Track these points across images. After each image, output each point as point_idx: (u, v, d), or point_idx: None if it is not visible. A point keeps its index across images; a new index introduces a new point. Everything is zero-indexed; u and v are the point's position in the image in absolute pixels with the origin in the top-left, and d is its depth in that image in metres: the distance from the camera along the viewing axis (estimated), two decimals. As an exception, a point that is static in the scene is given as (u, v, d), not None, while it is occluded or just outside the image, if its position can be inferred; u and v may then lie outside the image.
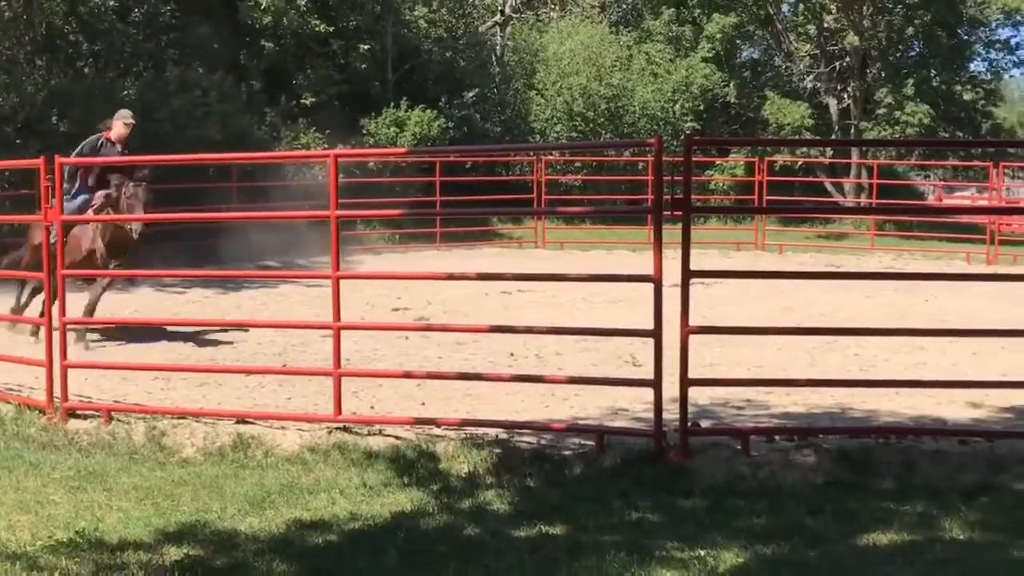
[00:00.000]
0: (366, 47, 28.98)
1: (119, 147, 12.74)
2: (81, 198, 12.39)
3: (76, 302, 11.33)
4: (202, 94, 23.66)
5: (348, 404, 8.57)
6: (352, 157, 23.18)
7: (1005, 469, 7.24)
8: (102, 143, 12.73)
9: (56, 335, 9.00)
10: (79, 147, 12.80)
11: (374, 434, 8.16)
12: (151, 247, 18.39)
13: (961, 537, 6.03)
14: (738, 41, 36.31)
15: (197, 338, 12.34)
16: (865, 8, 32.95)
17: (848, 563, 5.59)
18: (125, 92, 23.51)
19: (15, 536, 6.04)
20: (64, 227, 11.70)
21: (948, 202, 34.74)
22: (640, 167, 28.43)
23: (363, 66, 29.21)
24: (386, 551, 5.80)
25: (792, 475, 7.24)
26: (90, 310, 12.17)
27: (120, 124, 12.78)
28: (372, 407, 9.02)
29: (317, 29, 28.14)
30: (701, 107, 34.35)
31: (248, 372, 10.24)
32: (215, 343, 12.12)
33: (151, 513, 6.54)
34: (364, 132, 27.84)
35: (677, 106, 33.70)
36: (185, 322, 12.90)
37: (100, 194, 12.38)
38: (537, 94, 33.61)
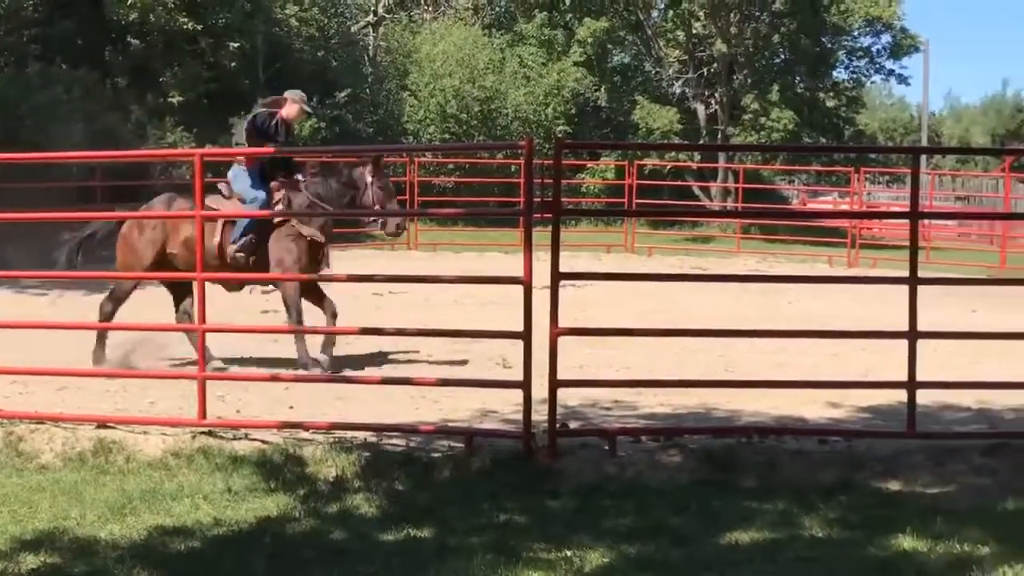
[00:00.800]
0: (236, 45, 28.62)
1: (288, 132, 11.06)
2: (262, 193, 10.77)
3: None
4: (65, 91, 23.13)
5: (213, 408, 8.43)
6: (219, 156, 22.80)
7: (863, 467, 7.43)
8: (276, 124, 10.84)
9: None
10: (257, 123, 10.89)
11: (240, 438, 8.04)
12: (6, 247, 17.87)
13: (820, 534, 6.17)
14: (609, 46, 36.73)
15: (57, 341, 11.98)
16: (732, 15, 33.61)
17: (711, 561, 5.68)
18: (-16, 87, 22.88)
19: None
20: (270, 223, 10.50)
21: (811, 206, 35.59)
22: (513, 169, 28.56)
23: (233, 64, 28.83)
24: (251, 557, 5.72)
25: (658, 475, 7.33)
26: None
27: (298, 108, 11.02)
28: (238, 411, 8.88)
29: (185, 26, 27.66)
30: (573, 111, 34.67)
31: (110, 376, 10.01)
32: (75, 346, 11.78)
33: (7, 520, 6.35)
34: (234, 131, 27.45)
35: (549, 109, 33.95)
36: (45, 325, 12.51)
37: (276, 186, 10.83)
38: (410, 95, 33.56)
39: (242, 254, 10.71)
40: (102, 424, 8.28)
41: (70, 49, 25.66)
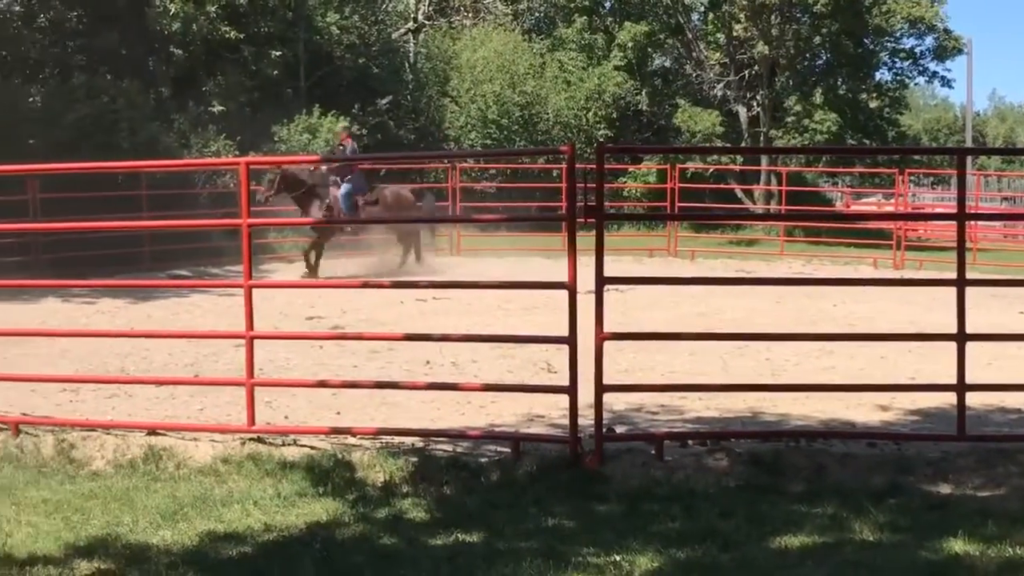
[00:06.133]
0: (278, 54, 28.78)
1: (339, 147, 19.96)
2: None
3: None
4: (110, 101, 23.33)
5: (262, 414, 8.50)
6: (264, 164, 22.99)
7: (912, 471, 7.37)
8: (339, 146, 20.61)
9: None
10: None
11: (288, 444, 8.09)
12: (58, 257, 18.11)
13: (870, 538, 6.13)
14: (649, 49, 36.65)
15: (106, 349, 12.13)
16: (773, 17, 33.45)
17: (760, 565, 5.66)
18: (31, 99, 23.13)
19: (-80, 553, 5.90)
20: None
21: (856, 208, 35.35)
22: (554, 174, 28.59)
23: (275, 72, 28.99)
24: (301, 562, 5.76)
25: (705, 479, 7.31)
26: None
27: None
28: (287, 417, 8.94)
29: (227, 36, 27.87)
30: (614, 115, 34.62)
31: (159, 383, 10.10)
32: (125, 354, 11.92)
33: (61, 527, 6.42)
34: (276, 139, 27.62)
35: (590, 114, 33.92)
36: (94, 333, 12.65)
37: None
38: (451, 101, 33.62)
39: None
40: (152, 431, 8.37)
41: (114, 60, 25.89)
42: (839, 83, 35.14)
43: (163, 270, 20.45)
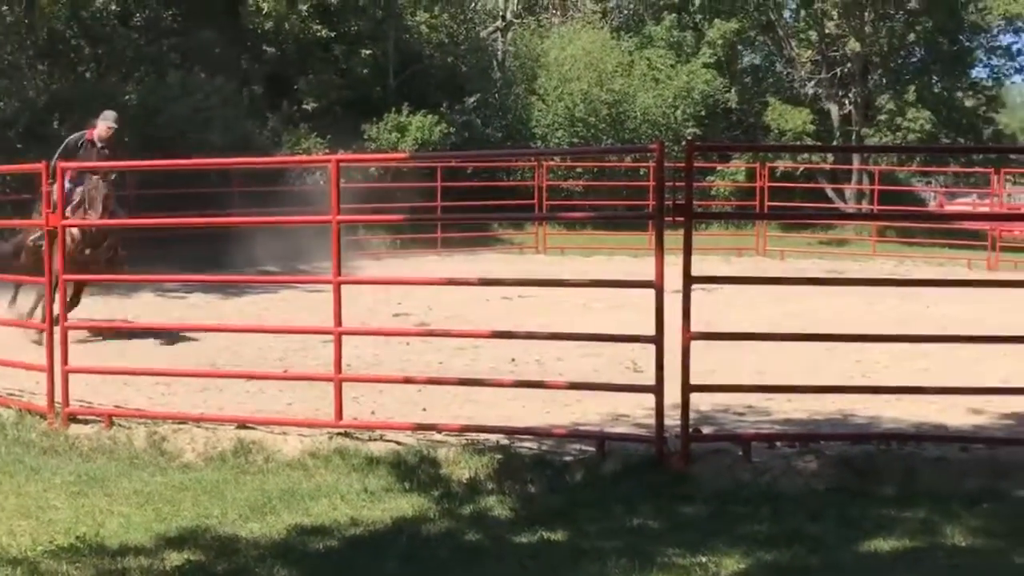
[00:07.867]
0: (368, 52, 29.01)
1: (101, 147, 12.95)
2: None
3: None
4: (204, 99, 23.71)
5: (349, 409, 8.56)
6: (354, 162, 23.18)
7: (1007, 476, 7.22)
8: (82, 143, 12.95)
9: (57, 339, 8.96)
10: (68, 144, 12.88)
11: (375, 440, 8.16)
12: (150, 252, 18.43)
13: (963, 544, 6.02)
14: (739, 47, 36.31)
15: (198, 343, 12.31)
16: (866, 14, 32.98)
17: (850, 569, 5.59)
18: (127, 96, 23.56)
19: (16, 541, 6.04)
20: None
21: (949, 208, 34.72)
22: (641, 173, 28.47)
23: (365, 71, 29.23)
24: (387, 557, 5.80)
25: (794, 481, 7.23)
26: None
27: (103, 126, 12.99)
28: (373, 412, 9.01)
29: (319, 34, 28.16)
30: (703, 113, 34.30)
31: (249, 377, 10.23)
32: (216, 348, 12.09)
33: (152, 518, 6.54)
34: (366, 137, 27.84)
35: (679, 112, 33.67)
36: (186, 327, 12.86)
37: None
38: (538, 99, 33.60)
39: None
40: (242, 424, 8.48)
41: (208, 58, 26.28)
42: (933, 81, 34.53)
43: (253, 266, 20.71)
